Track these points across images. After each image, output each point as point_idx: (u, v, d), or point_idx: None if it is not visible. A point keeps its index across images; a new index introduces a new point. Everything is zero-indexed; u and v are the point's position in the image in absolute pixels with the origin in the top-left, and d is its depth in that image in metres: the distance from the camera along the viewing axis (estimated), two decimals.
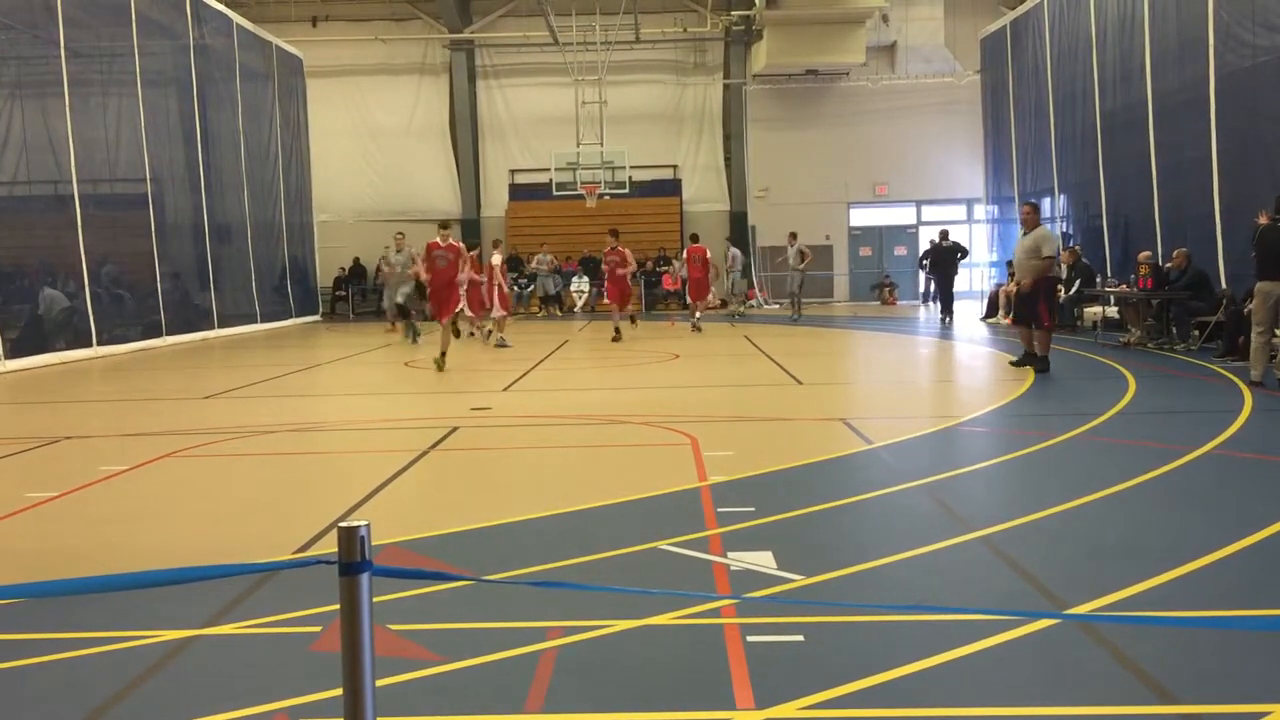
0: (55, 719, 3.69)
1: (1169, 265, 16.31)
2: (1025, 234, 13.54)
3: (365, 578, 2.09)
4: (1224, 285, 15.28)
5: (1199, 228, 16.19)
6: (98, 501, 7.16)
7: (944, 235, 24.75)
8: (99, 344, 18.55)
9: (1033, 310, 13.42)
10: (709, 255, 21.61)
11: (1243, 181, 15.10)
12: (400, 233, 22.98)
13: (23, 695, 3.93)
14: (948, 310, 23.49)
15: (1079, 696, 3.67)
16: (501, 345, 18.30)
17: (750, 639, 4.20)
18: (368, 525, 2.11)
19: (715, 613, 4.55)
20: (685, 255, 22.38)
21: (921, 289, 31.04)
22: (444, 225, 15.72)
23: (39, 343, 17.19)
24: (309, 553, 5.66)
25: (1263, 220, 11.58)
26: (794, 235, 25.61)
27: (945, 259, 24.00)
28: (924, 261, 26.13)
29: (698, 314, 22.08)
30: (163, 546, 6.00)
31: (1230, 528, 5.70)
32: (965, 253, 24.87)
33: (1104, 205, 20.44)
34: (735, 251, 28.64)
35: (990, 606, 4.64)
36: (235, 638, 4.43)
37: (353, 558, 2.08)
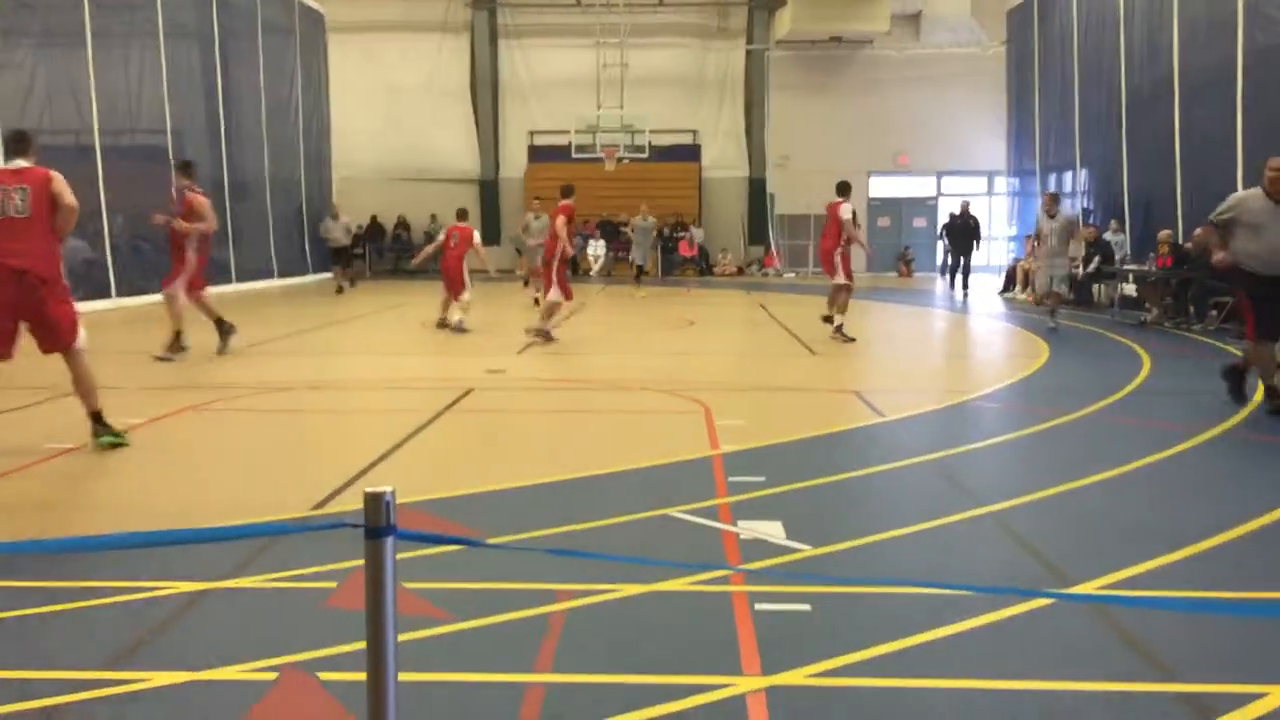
0: (77, 665, 3.77)
1: (1188, 244, 16.22)
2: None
3: (389, 541, 2.15)
4: None
5: None
6: (117, 455, 7.24)
7: (964, 208, 23.67)
8: (118, 295, 18.67)
9: None
10: (842, 214, 13.90)
11: (1267, 160, 14.95)
12: None
13: (43, 642, 4.03)
14: (964, 285, 22.67)
15: (1081, 672, 3.73)
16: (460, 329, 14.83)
17: (758, 607, 4.27)
18: (393, 491, 2.17)
19: (724, 580, 4.62)
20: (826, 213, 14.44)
21: (939, 261, 30.87)
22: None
23: None
24: (326, 509, 5.75)
25: None
26: (1054, 198, 16.33)
27: (963, 232, 23.23)
28: (943, 233, 25.25)
29: (837, 317, 14.21)
30: (182, 499, 6.09)
31: (1240, 509, 5.72)
32: (977, 235, 23.41)
33: (1125, 182, 20.30)
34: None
35: (996, 582, 4.69)
36: (253, 591, 4.52)
37: (378, 522, 2.14)
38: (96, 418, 7.22)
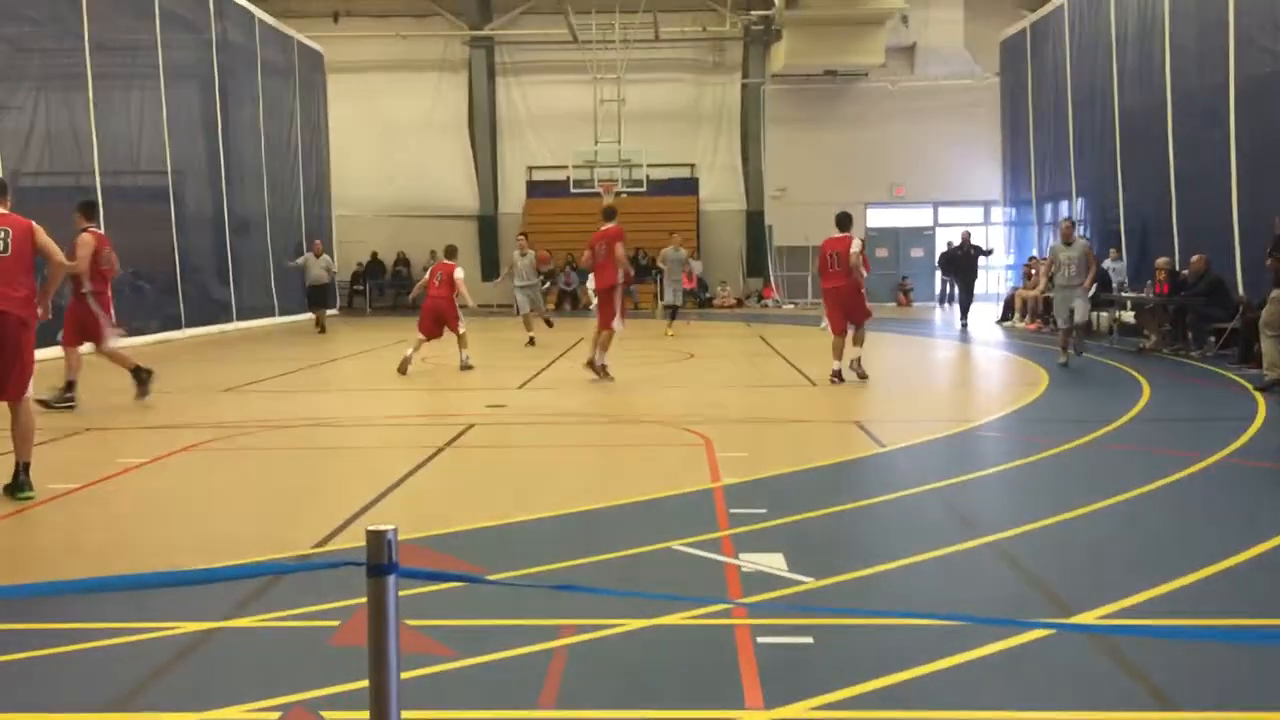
0: (80, 708, 3.78)
1: (1185, 272, 16.29)
2: None
3: (392, 579, 2.17)
4: (1241, 291, 15.26)
5: (1216, 234, 16.16)
6: (119, 494, 7.27)
7: (965, 238, 23.25)
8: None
9: None
10: (854, 249, 12.67)
11: (1261, 188, 15.06)
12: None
13: (49, 684, 4.03)
14: (964, 315, 22.31)
15: (1083, 702, 3.73)
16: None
17: (760, 640, 4.27)
18: (394, 529, 2.19)
19: (726, 613, 4.62)
20: (821, 251, 13.09)
21: (938, 291, 30.94)
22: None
23: (59, 333, 17.33)
24: (328, 547, 5.76)
25: None
26: (1072, 225, 15.19)
27: (964, 262, 22.84)
28: (941, 262, 24.52)
29: (853, 359, 12.83)
30: (183, 538, 6.10)
31: (1242, 536, 5.73)
32: (988, 252, 23.22)
33: (1121, 210, 20.41)
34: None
35: (998, 612, 4.69)
36: (256, 631, 4.52)
37: (380, 560, 2.16)
38: (26, 469, 6.95)
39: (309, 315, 27.43)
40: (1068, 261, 14.22)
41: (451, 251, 15.48)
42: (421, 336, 14.52)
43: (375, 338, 21.11)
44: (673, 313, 21.43)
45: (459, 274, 14.64)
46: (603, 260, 12.95)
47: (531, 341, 18.29)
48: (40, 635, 4.41)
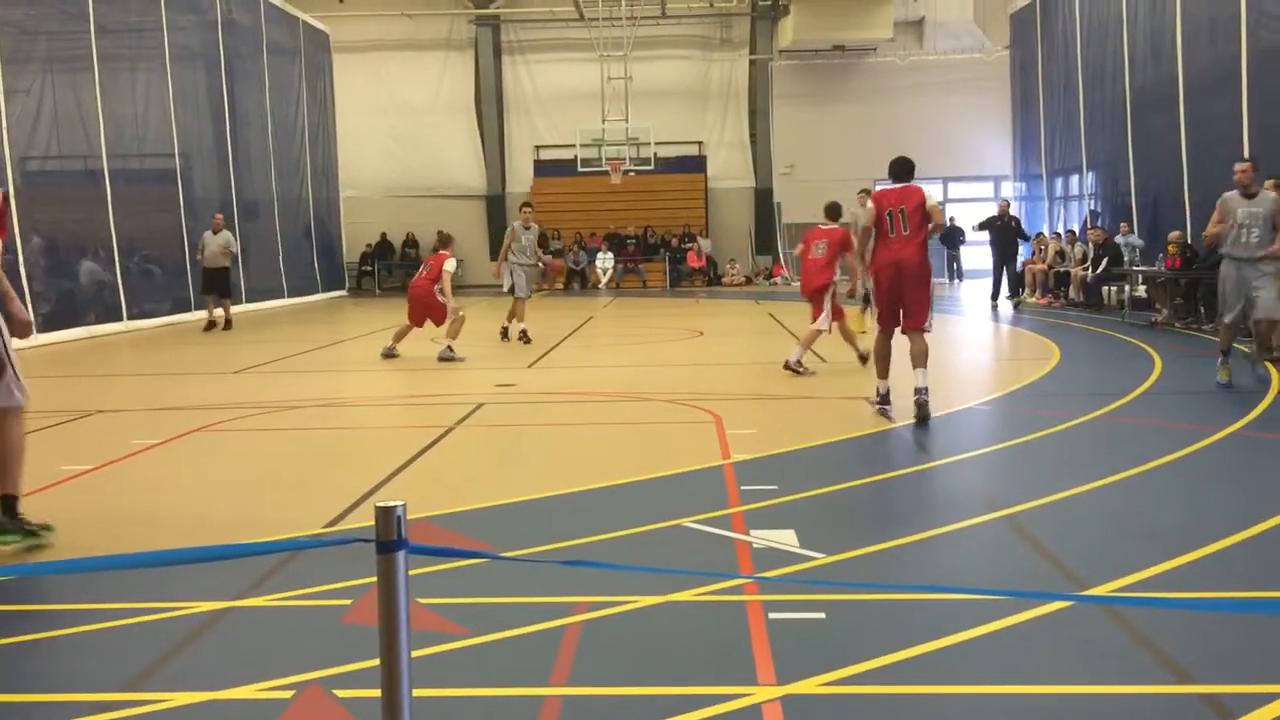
0: (96, 687, 3.79)
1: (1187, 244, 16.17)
2: None
3: (401, 555, 2.16)
4: None
5: None
6: (131, 475, 7.29)
7: (1003, 209, 22.01)
8: (129, 318, 18.78)
9: None
10: (932, 201, 8.87)
11: (1274, 161, 14.92)
12: None
13: (64, 665, 4.05)
14: (1013, 291, 21.10)
15: (1097, 676, 3.72)
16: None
17: (772, 616, 4.27)
18: (404, 505, 2.18)
19: (738, 590, 4.62)
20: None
21: (946, 267, 30.73)
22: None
23: (70, 316, 17.41)
24: (339, 527, 5.77)
25: None
26: (1253, 168, 10.32)
27: (1004, 234, 21.47)
28: (985, 226, 22.88)
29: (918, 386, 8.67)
30: (196, 519, 6.11)
31: (1255, 508, 5.71)
32: (1022, 235, 22.05)
33: (1133, 183, 20.28)
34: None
35: (1011, 586, 4.68)
36: (269, 610, 4.53)
37: (390, 536, 2.15)
38: (8, 504, 5.31)
39: (319, 296, 27.52)
40: (1249, 221, 9.68)
41: (446, 240, 14.13)
42: (407, 324, 13.74)
43: (386, 318, 21.10)
44: (866, 300, 13.62)
45: (448, 266, 13.43)
46: (822, 260, 11.96)
47: (504, 334, 15.72)
48: (52, 616, 4.43)
